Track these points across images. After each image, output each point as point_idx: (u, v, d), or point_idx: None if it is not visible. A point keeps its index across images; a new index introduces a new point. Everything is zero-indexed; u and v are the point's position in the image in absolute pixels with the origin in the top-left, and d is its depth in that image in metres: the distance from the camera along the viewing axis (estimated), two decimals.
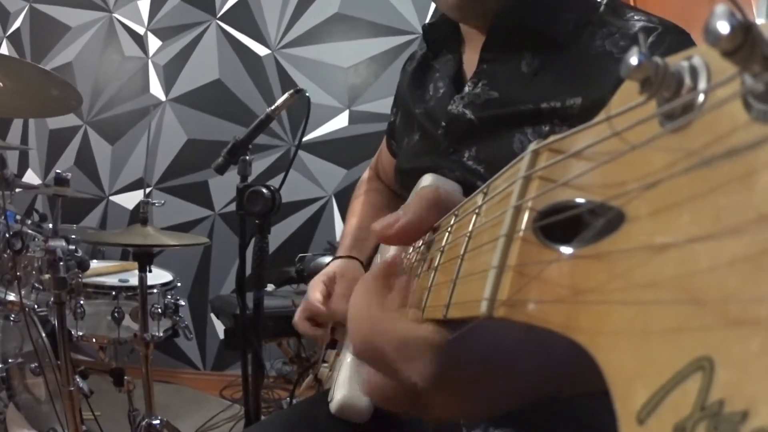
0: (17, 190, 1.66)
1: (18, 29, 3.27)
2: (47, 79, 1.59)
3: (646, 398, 0.14)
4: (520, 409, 0.36)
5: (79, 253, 1.51)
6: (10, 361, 1.56)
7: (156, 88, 3.10)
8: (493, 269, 0.23)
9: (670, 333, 0.14)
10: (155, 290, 1.83)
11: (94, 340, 1.82)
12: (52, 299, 1.42)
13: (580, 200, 0.20)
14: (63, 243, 1.40)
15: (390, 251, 0.71)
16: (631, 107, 0.18)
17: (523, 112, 0.70)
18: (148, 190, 3.02)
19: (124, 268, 2.02)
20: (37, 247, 1.62)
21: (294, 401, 1.20)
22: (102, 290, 1.81)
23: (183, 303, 1.94)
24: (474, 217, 0.30)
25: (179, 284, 2.02)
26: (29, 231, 1.61)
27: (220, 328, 2.91)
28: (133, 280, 1.79)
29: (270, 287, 2.37)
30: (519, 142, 0.70)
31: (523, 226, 0.22)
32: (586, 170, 0.20)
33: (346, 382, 0.68)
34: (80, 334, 1.77)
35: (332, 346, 0.89)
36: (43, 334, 1.52)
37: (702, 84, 0.16)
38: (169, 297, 1.89)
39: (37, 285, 1.64)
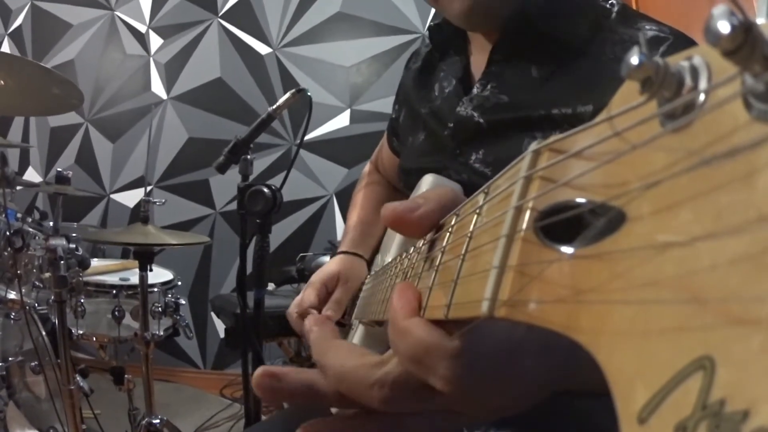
0: (18, 188, 1.66)
1: (19, 27, 3.28)
2: (48, 77, 1.60)
3: (647, 398, 0.14)
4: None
5: (80, 252, 1.51)
6: (10, 359, 1.56)
7: (157, 87, 3.10)
8: (494, 269, 0.23)
9: (671, 332, 0.14)
10: (156, 289, 1.84)
11: (94, 338, 1.82)
12: (52, 297, 1.42)
13: (581, 200, 0.20)
14: (63, 241, 1.41)
15: (392, 251, 0.71)
16: (631, 107, 0.18)
17: (534, 118, 0.70)
18: (149, 188, 3.02)
19: (125, 266, 2.02)
20: (37, 245, 1.62)
21: None
22: (102, 289, 1.82)
23: (183, 302, 1.94)
24: (475, 217, 0.30)
25: (180, 283, 2.02)
26: (30, 229, 1.60)
27: (220, 327, 2.91)
28: (134, 278, 1.79)
29: (271, 286, 2.37)
30: (528, 147, 0.70)
31: (524, 226, 0.22)
32: (587, 170, 0.20)
33: None
34: (80, 332, 1.78)
35: None
36: (44, 333, 1.52)
37: (703, 84, 0.16)
38: (170, 296, 1.89)
39: (37, 283, 1.64)
